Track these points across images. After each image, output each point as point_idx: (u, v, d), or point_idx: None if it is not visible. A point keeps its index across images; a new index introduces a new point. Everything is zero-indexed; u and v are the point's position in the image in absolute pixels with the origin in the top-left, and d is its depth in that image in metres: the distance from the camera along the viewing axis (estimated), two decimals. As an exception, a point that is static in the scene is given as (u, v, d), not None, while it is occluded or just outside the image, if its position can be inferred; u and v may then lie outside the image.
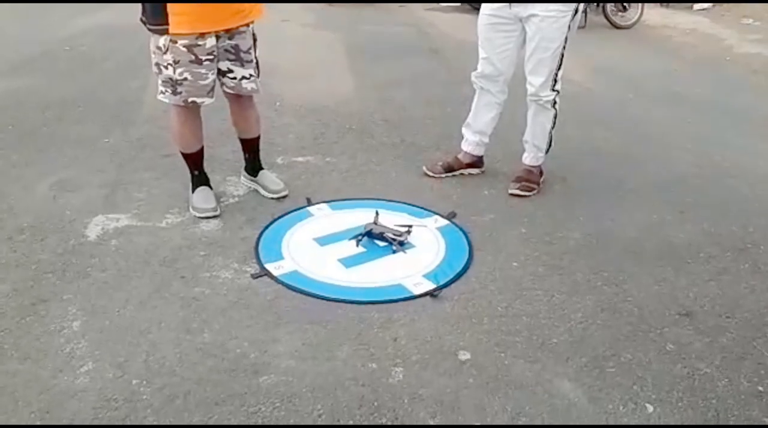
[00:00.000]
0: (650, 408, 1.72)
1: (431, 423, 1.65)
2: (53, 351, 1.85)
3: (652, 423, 1.68)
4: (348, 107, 3.98)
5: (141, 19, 2.35)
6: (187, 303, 2.09)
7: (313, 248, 2.44)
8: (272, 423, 1.64)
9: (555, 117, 2.85)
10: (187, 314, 2.03)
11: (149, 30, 2.34)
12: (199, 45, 2.32)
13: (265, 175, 2.84)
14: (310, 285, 2.19)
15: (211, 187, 2.70)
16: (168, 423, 1.62)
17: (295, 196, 2.82)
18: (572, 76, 4.17)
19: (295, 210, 2.71)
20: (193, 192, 2.67)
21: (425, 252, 2.43)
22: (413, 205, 2.78)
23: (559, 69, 2.71)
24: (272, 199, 2.78)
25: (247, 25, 2.46)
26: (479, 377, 1.81)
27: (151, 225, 2.54)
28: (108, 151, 3.24)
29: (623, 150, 3.46)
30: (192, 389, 1.73)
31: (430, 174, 3.05)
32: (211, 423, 1.63)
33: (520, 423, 1.66)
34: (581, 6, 2.68)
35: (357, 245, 2.44)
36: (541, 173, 2.97)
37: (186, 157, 2.66)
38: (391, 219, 2.58)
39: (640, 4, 6.88)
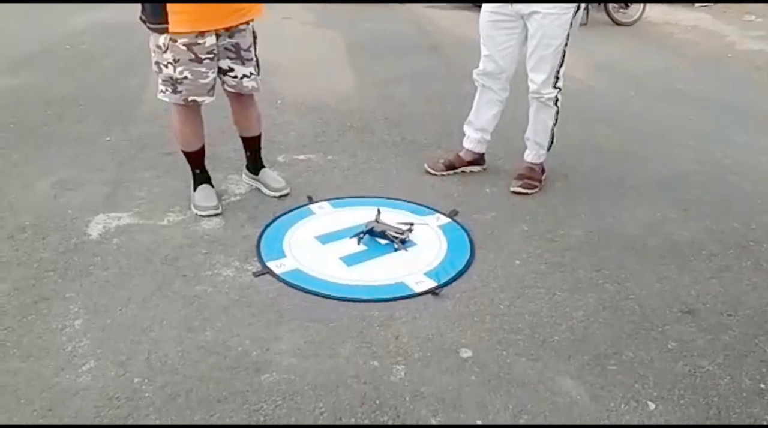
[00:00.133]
0: (652, 406, 1.72)
1: (433, 420, 1.65)
2: (55, 350, 1.85)
3: (653, 420, 1.68)
4: (349, 105, 3.98)
5: (140, 18, 2.35)
6: (189, 301, 2.09)
7: (315, 246, 2.44)
8: (274, 421, 1.64)
9: (557, 114, 2.84)
10: (188, 312, 2.03)
11: (149, 29, 2.34)
12: (199, 43, 2.32)
13: (267, 173, 2.84)
14: (311, 283, 2.19)
15: (212, 186, 2.70)
16: (170, 421, 1.63)
17: (297, 194, 2.82)
18: (574, 73, 4.17)
19: (297, 208, 2.71)
20: (194, 190, 2.67)
21: (427, 250, 2.43)
22: (415, 203, 2.78)
23: (560, 66, 2.71)
24: (274, 197, 2.78)
25: (247, 23, 2.45)
26: (481, 375, 1.80)
27: (153, 224, 2.54)
28: (109, 149, 3.24)
29: (625, 147, 3.46)
30: (194, 387, 1.73)
31: (432, 171, 3.05)
32: (213, 421, 1.63)
33: (521, 420, 1.66)
34: (583, 3, 2.67)
35: (358, 243, 2.43)
36: (542, 171, 2.97)
37: (187, 155, 2.66)
38: (393, 217, 2.58)
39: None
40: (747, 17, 6.99)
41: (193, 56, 2.33)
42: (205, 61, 2.36)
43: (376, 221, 2.50)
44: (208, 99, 2.46)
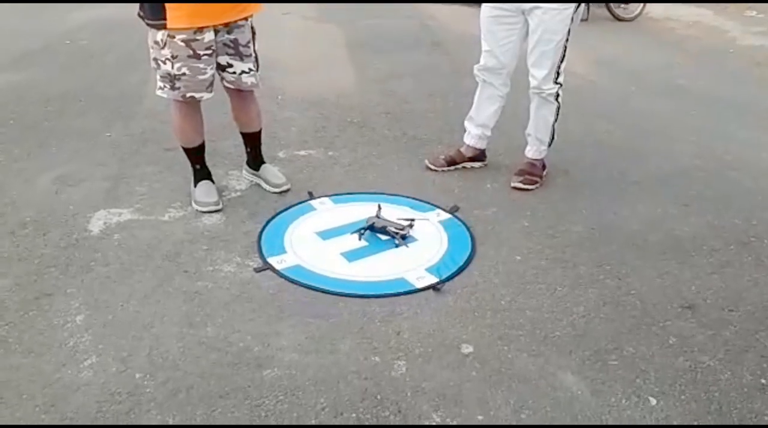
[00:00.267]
0: (653, 401, 1.72)
1: (434, 416, 1.65)
2: (57, 345, 1.85)
3: (654, 415, 1.68)
4: (349, 100, 3.97)
5: (139, 14, 2.34)
6: (190, 297, 2.09)
7: (316, 242, 2.44)
8: (275, 416, 1.64)
9: (558, 110, 2.84)
10: (190, 308, 2.03)
11: (147, 25, 2.33)
12: (197, 39, 2.32)
13: (267, 169, 2.84)
14: (312, 279, 2.20)
15: (213, 181, 2.70)
16: (171, 416, 1.63)
17: (298, 189, 2.82)
18: (575, 69, 4.16)
19: (298, 204, 2.71)
20: (195, 186, 2.67)
21: (428, 245, 2.43)
22: (415, 199, 2.78)
23: (561, 61, 2.70)
24: (274, 192, 2.78)
25: (246, 18, 2.45)
26: (482, 370, 1.81)
27: (154, 220, 2.54)
28: (109, 145, 3.24)
29: (626, 143, 3.45)
30: (195, 383, 1.73)
31: (433, 167, 3.05)
32: (214, 416, 1.64)
33: (522, 415, 1.66)
34: (584, -1, 2.67)
35: (359, 239, 2.43)
36: (543, 166, 2.97)
37: (187, 151, 2.66)
38: (394, 213, 2.57)
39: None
40: (748, 13, 6.96)
41: (191, 52, 2.32)
42: (204, 58, 2.36)
43: (377, 217, 2.50)
44: (206, 95, 2.46)
